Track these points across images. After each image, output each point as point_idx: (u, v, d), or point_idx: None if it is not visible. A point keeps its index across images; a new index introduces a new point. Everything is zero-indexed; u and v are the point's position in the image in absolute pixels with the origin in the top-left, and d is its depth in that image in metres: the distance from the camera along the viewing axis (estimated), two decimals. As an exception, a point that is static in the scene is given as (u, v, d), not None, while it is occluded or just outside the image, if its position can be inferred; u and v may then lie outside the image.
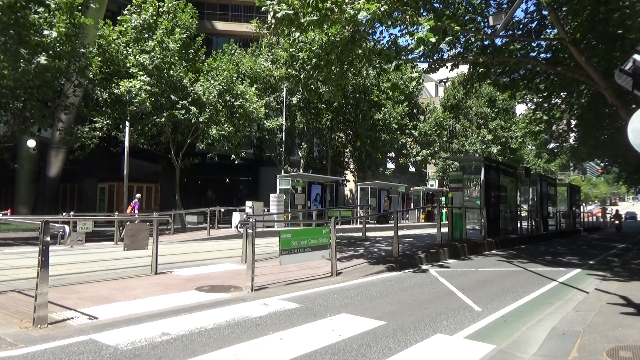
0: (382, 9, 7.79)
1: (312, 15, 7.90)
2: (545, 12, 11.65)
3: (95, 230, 15.02)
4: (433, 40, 8.01)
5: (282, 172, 25.35)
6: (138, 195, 18.78)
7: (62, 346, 3.93)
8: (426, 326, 4.88)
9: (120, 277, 7.30)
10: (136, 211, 18.09)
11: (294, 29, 8.43)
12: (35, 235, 6.58)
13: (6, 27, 13.31)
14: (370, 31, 10.72)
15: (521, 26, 12.89)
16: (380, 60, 10.68)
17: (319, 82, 11.04)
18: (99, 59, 19.13)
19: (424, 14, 10.90)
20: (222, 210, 20.51)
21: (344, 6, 7.73)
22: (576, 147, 24.38)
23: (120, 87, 19.20)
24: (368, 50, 10.12)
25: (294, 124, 29.45)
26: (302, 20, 7.98)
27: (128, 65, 20.09)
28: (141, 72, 19.59)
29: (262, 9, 8.56)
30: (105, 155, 22.80)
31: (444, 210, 20.86)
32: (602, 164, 31.79)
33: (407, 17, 8.47)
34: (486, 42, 12.63)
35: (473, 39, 12.46)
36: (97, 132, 20.34)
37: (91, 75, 18.03)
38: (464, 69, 16.35)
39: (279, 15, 7.96)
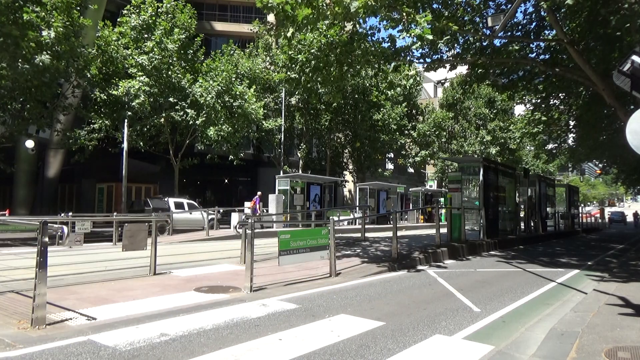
0: None
1: (303, 7, 7.87)
2: (543, 14, 11.68)
3: (94, 231, 14.99)
4: (430, 37, 7.98)
5: (281, 172, 25.33)
6: (259, 192, 19.92)
7: (61, 347, 3.92)
8: (425, 327, 4.88)
9: (119, 278, 7.29)
10: (259, 205, 19.00)
11: (288, 24, 8.43)
12: (34, 236, 6.57)
13: (4, 26, 13.29)
14: (369, 32, 10.74)
15: (520, 27, 12.93)
16: (379, 61, 10.69)
17: (319, 84, 11.04)
18: (98, 59, 19.12)
19: (422, 14, 10.92)
20: (221, 210, 20.52)
21: None
22: (575, 147, 24.43)
23: (119, 87, 19.20)
24: (367, 51, 10.12)
25: (293, 125, 29.46)
26: (295, 12, 7.97)
27: (127, 65, 20.11)
28: (140, 73, 19.60)
29: None
30: (103, 156, 22.78)
31: (443, 211, 20.92)
32: (600, 165, 31.83)
33: (404, 14, 8.44)
34: (485, 43, 12.65)
35: (472, 40, 12.48)
36: (95, 134, 20.33)
37: (90, 76, 18.02)
38: (463, 69, 16.38)
39: (271, 4, 7.98)
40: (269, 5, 8.21)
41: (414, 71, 14.06)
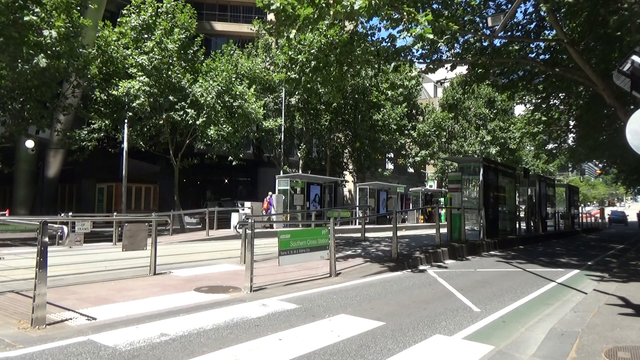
0: None
1: (305, 6, 7.85)
2: (543, 14, 11.68)
3: (94, 231, 14.99)
4: (431, 36, 7.98)
5: (281, 172, 25.33)
6: (270, 192, 20.50)
7: (61, 347, 3.92)
8: (425, 327, 4.88)
9: (119, 278, 7.29)
10: (272, 206, 19.48)
11: (289, 25, 8.42)
12: (34, 236, 6.57)
13: (4, 27, 13.28)
14: (369, 32, 10.73)
15: (520, 27, 12.93)
16: (379, 61, 10.68)
17: (319, 84, 11.04)
18: (98, 59, 19.10)
19: (423, 13, 10.92)
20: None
21: None
22: (575, 147, 24.43)
23: (119, 87, 19.20)
24: (366, 51, 10.11)
25: (293, 125, 29.46)
26: (297, 12, 7.95)
27: (127, 65, 20.10)
28: (140, 73, 19.59)
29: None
30: (103, 156, 22.77)
31: (443, 211, 20.92)
32: (600, 165, 31.83)
33: (405, 13, 8.43)
34: (485, 43, 12.65)
35: (472, 40, 12.48)
36: (95, 134, 20.33)
37: (90, 76, 18.01)
38: (463, 69, 16.39)
39: (273, 7, 7.96)
40: (270, 5, 8.19)
41: (415, 72, 14.06)
